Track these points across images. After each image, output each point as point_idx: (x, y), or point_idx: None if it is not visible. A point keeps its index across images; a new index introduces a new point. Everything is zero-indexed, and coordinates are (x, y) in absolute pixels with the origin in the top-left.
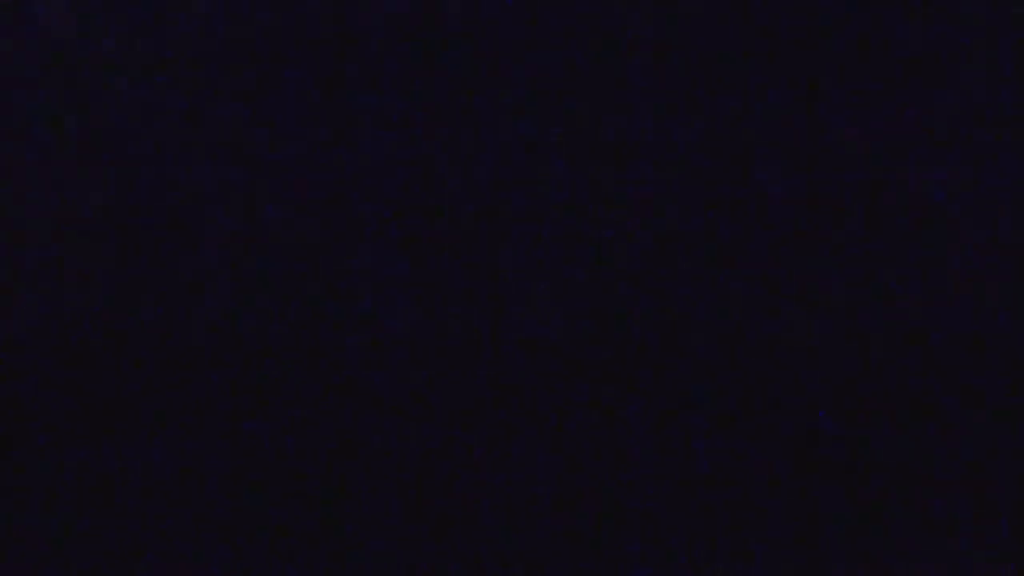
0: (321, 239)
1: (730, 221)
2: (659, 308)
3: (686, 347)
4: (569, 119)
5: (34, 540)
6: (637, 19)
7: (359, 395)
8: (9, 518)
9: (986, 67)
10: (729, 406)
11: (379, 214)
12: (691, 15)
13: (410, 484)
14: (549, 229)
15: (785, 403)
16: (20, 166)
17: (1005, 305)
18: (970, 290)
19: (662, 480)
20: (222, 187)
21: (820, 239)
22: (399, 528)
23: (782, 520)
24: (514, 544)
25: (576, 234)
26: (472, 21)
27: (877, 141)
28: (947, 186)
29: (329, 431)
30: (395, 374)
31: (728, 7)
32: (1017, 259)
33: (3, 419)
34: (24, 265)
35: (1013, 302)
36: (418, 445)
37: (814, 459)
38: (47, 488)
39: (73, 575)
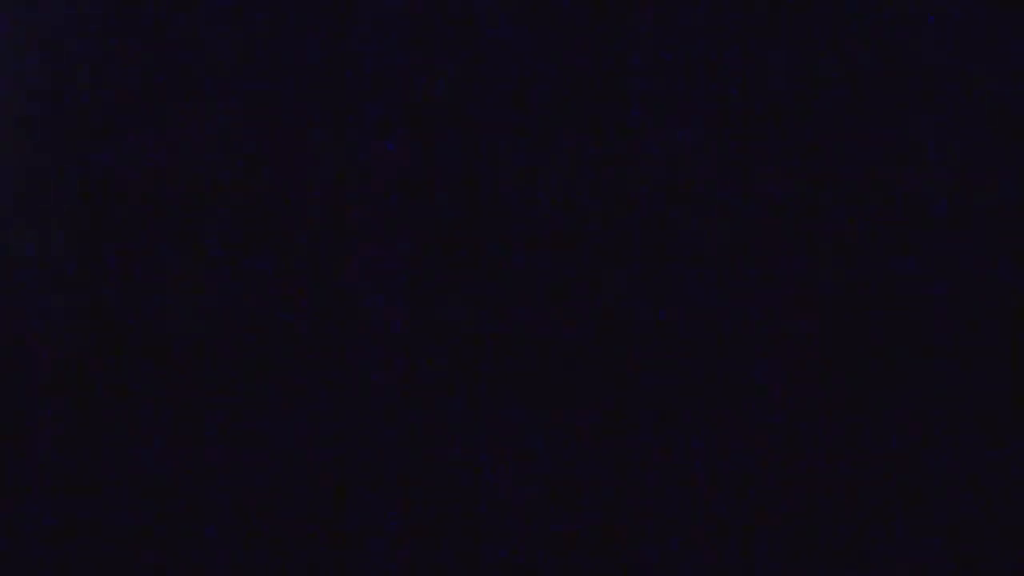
0: (320, 238)
1: (729, 221)
2: (657, 307)
3: (684, 346)
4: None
5: (34, 540)
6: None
7: (358, 395)
8: (9, 518)
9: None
10: (727, 405)
11: (379, 213)
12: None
13: (410, 484)
14: (547, 229)
15: (782, 402)
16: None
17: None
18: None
19: (661, 480)
20: (221, 184)
21: (817, 239)
22: (399, 528)
23: (782, 521)
24: (513, 544)
25: (575, 233)
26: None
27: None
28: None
29: (328, 431)
30: (394, 373)
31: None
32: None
33: (3, 419)
34: (23, 265)
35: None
36: (418, 445)
37: (813, 459)
38: (47, 488)
39: (72, 575)
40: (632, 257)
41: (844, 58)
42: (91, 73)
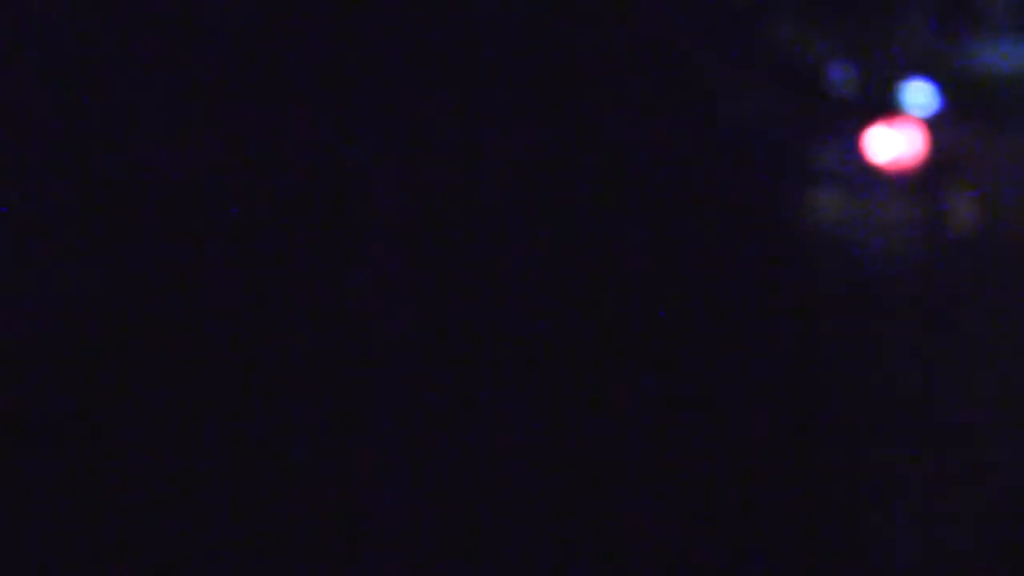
0: (320, 239)
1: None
2: (656, 308)
3: (683, 347)
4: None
5: (34, 540)
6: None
7: (358, 396)
8: (9, 518)
9: None
10: (728, 406)
11: (379, 214)
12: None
13: (410, 484)
14: (547, 229)
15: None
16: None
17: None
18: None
19: (661, 480)
20: (221, 185)
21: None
22: (399, 528)
23: (782, 521)
24: (512, 544)
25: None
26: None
27: None
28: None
29: (327, 431)
30: (394, 374)
31: None
32: None
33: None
34: (23, 265)
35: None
36: (417, 446)
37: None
38: (47, 488)
39: (72, 574)
40: (633, 256)
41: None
42: (90, 72)
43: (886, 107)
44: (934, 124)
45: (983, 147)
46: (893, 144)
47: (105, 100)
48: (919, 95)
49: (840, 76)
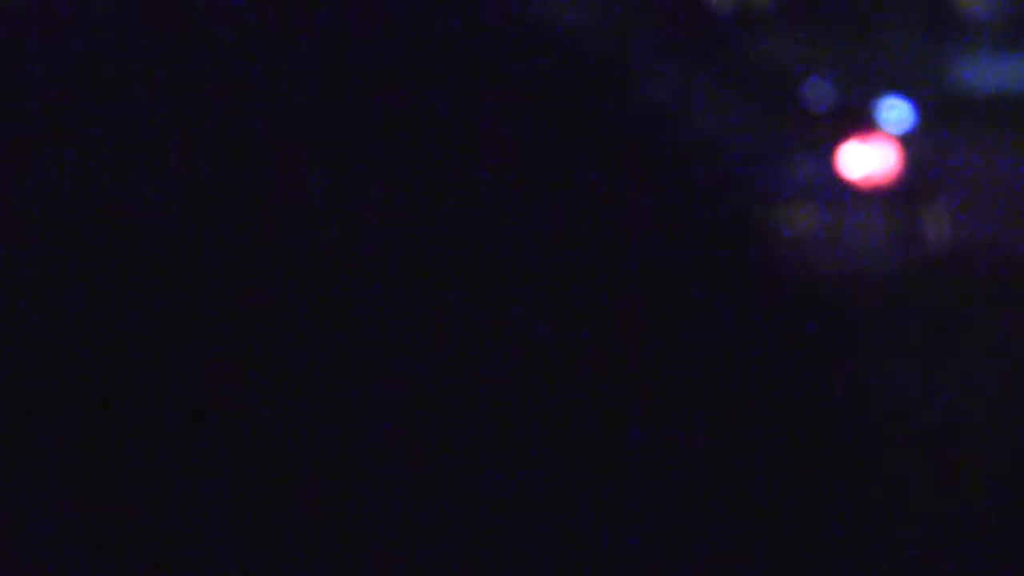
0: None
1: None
2: (657, 307)
3: (683, 347)
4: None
5: (34, 539)
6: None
7: (357, 396)
8: (8, 518)
9: None
10: (728, 406)
11: (380, 213)
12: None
13: (410, 485)
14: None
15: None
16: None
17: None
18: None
19: (662, 481)
20: (220, 186)
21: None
22: (398, 529)
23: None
24: (512, 545)
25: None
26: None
27: None
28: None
29: (327, 431)
30: (394, 374)
31: None
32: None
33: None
34: (23, 265)
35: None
36: (417, 446)
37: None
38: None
39: (72, 575)
40: (632, 257)
41: None
42: (88, 73)
43: (863, 123)
44: (909, 140)
45: (959, 164)
46: (868, 159)
47: (105, 99)
48: (896, 111)
49: (818, 91)
